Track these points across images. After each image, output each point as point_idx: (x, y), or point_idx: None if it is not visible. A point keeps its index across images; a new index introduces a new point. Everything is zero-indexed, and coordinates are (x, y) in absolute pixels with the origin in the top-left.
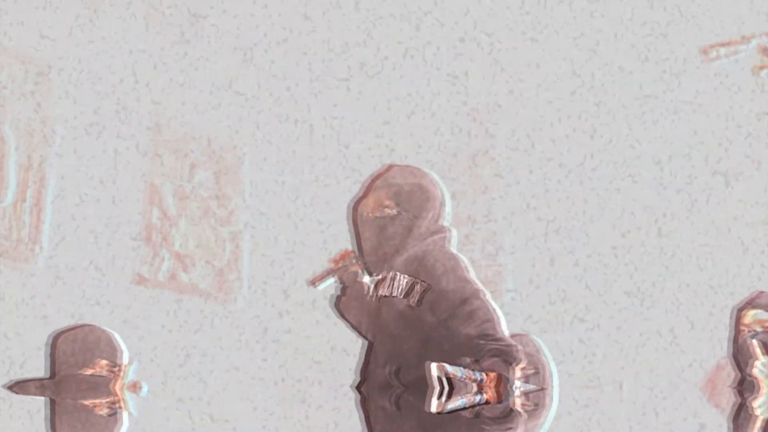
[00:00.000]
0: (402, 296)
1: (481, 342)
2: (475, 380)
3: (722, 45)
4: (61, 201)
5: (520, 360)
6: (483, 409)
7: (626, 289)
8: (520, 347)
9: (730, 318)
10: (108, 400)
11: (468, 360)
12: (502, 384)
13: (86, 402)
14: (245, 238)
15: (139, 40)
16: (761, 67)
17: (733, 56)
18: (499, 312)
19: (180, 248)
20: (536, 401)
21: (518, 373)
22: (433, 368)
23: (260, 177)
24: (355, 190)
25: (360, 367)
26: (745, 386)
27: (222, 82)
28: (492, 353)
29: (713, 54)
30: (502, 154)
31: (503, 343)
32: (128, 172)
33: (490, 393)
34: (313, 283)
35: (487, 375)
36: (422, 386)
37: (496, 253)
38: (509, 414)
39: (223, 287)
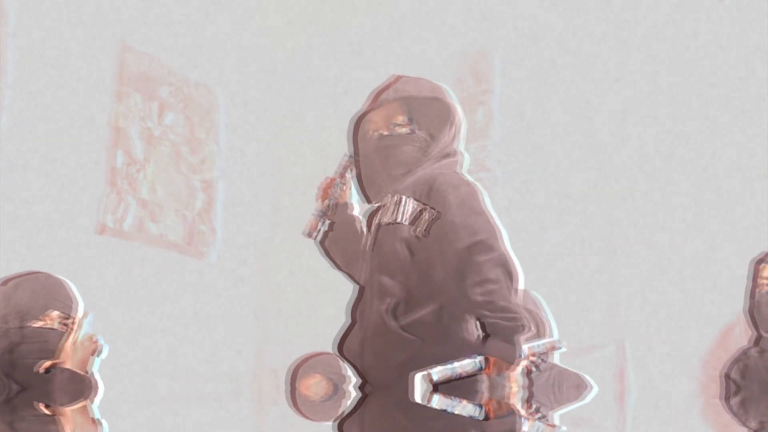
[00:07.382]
0: (408, 222)
1: (485, 313)
2: (474, 370)
3: None
4: (15, 140)
5: (527, 330)
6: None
7: (636, 239)
8: (526, 315)
9: (748, 271)
10: None
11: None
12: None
13: None
14: (219, 187)
15: None
16: None
17: None
18: (515, 259)
19: (147, 196)
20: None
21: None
22: (418, 381)
23: (236, 119)
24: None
25: (350, 307)
26: (762, 345)
27: (195, 16)
28: (494, 330)
29: None
30: (495, 101)
31: (507, 315)
32: (91, 111)
33: (489, 406)
34: (309, 234)
35: (488, 361)
36: (420, 328)
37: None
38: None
39: (194, 239)
